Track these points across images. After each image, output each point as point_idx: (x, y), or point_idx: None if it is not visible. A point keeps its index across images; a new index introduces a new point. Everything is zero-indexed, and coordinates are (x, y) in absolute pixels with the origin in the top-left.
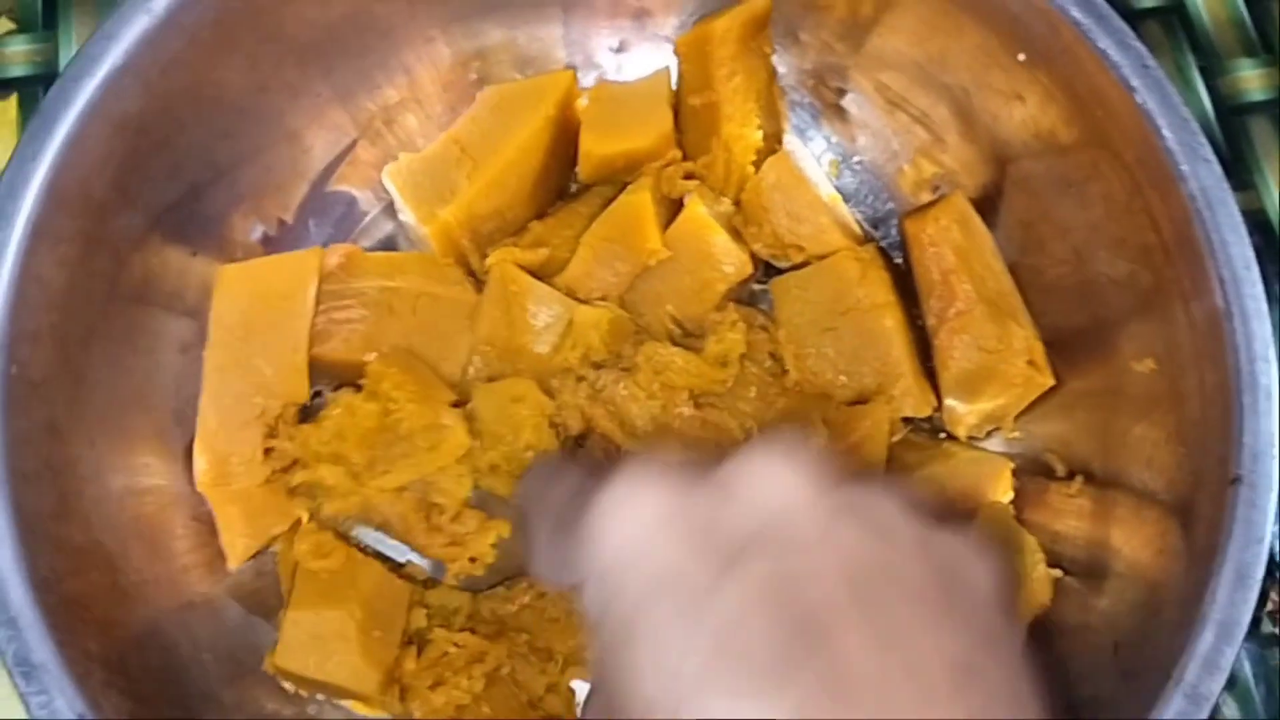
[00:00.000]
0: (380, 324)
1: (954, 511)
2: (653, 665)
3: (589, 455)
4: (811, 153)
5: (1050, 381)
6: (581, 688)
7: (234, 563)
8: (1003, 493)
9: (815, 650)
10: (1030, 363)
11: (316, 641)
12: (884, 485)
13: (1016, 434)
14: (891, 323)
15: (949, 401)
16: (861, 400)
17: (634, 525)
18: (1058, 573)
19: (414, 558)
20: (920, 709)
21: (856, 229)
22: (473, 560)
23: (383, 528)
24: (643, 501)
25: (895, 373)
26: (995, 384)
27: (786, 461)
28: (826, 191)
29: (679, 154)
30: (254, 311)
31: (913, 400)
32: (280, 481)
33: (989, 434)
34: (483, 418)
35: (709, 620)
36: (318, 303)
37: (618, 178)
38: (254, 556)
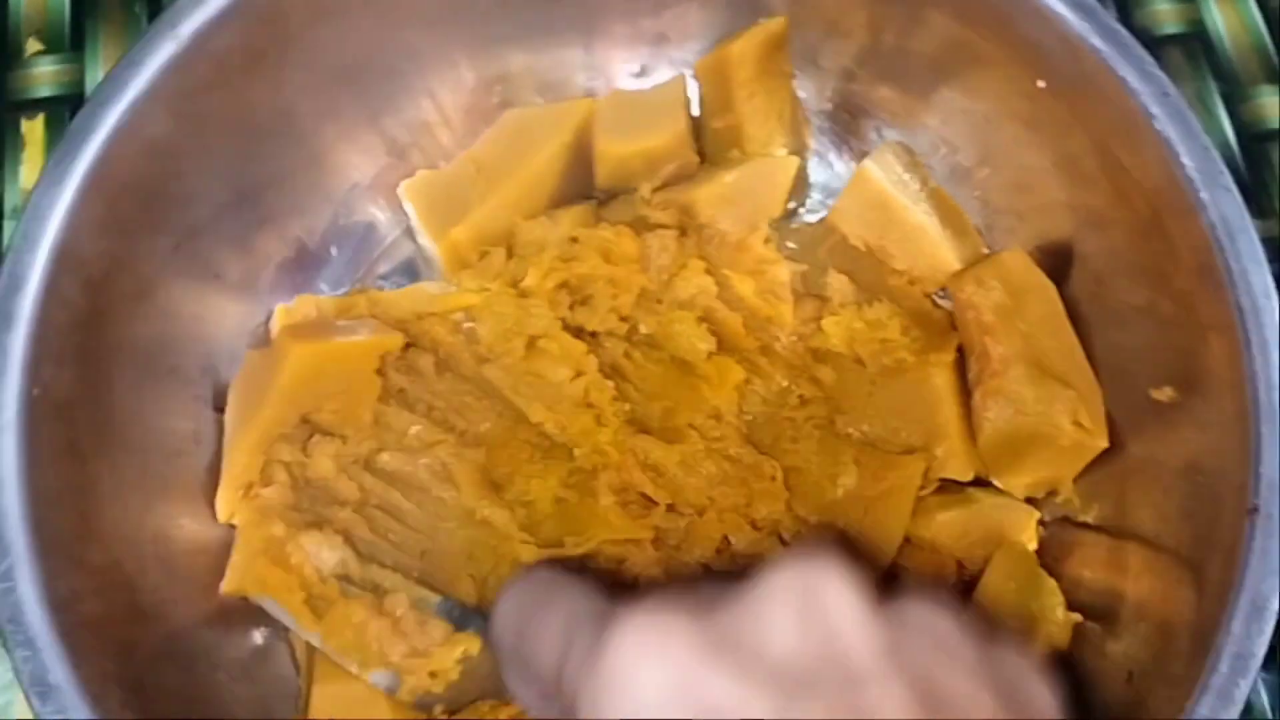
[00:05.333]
0: None
1: (1003, 624)
2: None
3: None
4: (834, 178)
5: (1103, 444)
6: None
7: (227, 587)
8: (1027, 541)
9: None
10: (1077, 424)
11: (347, 710)
12: (933, 598)
13: (1077, 502)
14: (942, 381)
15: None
16: (905, 453)
17: (669, 665)
18: (1077, 617)
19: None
20: None
21: None
22: (433, 675)
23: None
24: (673, 633)
25: (941, 433)
26: (1038, 447)
27: (825, 578)
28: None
29: (695, 156)
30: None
31: (956, 462)
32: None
33: (1047, 496)
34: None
35: None
36: None
37: (635, 181)
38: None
